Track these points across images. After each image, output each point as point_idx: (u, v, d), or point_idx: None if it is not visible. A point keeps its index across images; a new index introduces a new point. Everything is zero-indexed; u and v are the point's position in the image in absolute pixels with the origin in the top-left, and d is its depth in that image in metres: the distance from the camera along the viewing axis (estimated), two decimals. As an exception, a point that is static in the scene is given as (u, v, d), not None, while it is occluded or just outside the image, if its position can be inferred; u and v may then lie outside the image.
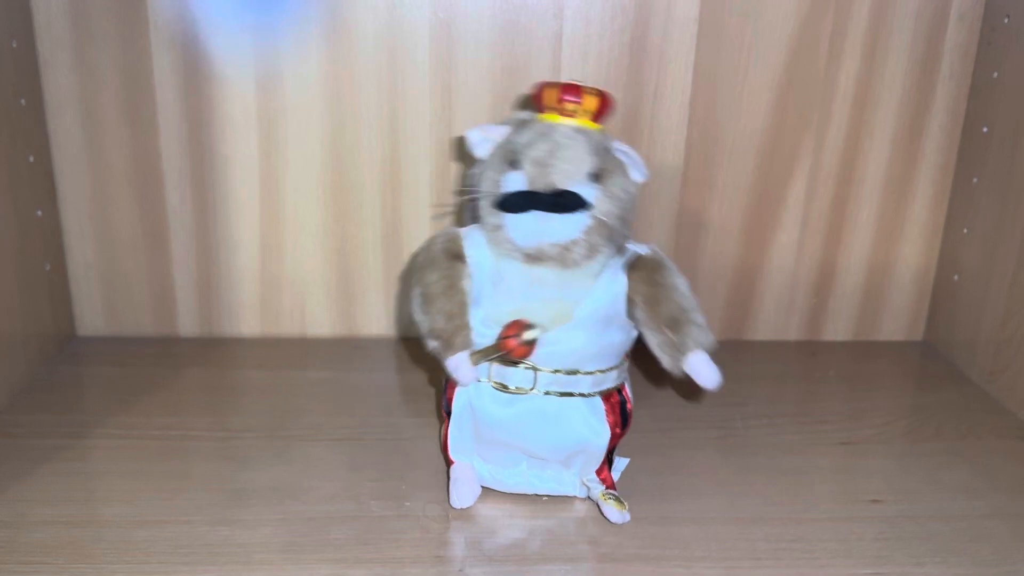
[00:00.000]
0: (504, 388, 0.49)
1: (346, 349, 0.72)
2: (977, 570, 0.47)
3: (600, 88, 0.48)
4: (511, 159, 0.47)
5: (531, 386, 0.48)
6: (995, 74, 0.67)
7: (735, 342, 0.76)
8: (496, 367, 0.48)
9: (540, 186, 0.46)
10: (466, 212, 0.52)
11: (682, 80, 0.68)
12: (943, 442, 0.60)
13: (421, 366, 0.69)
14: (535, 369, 0.48)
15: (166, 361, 0.68)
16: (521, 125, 0.49)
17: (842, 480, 0.55)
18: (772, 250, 0.74)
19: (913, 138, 0.71)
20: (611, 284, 0.48)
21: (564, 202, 0.45)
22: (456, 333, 0.47)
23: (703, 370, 0.47)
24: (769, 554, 0.48)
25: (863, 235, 0.74)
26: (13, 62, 0.61)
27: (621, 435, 0.51)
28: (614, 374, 0.50)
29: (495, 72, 0.67)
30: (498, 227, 0.47)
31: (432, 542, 0.48)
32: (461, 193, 0.51)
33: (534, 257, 0.47)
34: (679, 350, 0.47)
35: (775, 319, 0.76)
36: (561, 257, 0.46)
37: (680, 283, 0.48)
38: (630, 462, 0.55)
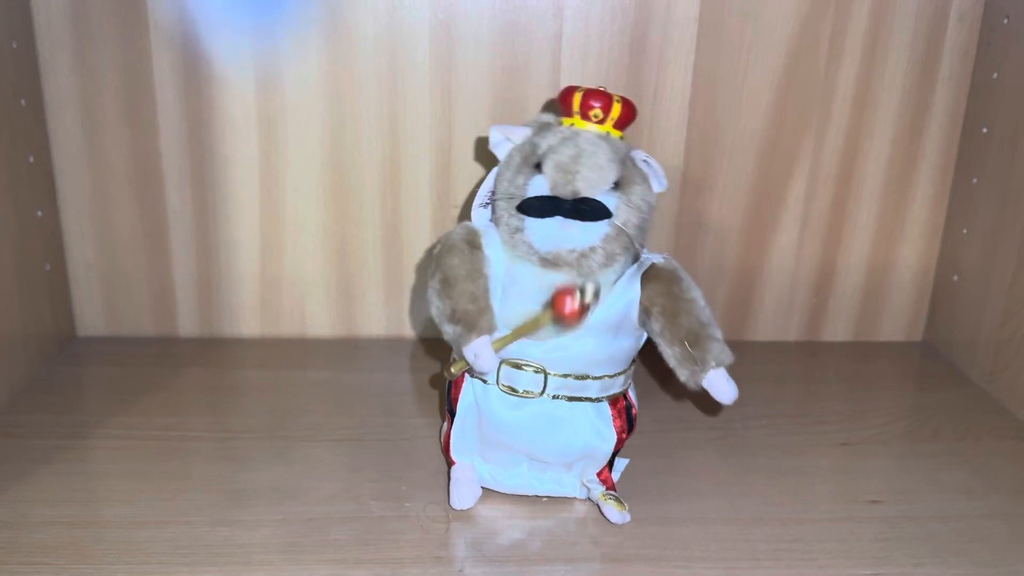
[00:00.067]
0: (513, 391, 0.48)
1: (346, 349, 0.72)
2: (976, 570, 0.47)
3: (626, 97, 0.48)
4: (534, 162, 0.47)
5: (540, 390, 0.48)
6: (995, 75, 0.67)
7: (735, 343, 0.75)
8: (506, 370, 0.48)
9: (564, 192, 0.45)
10: (474, 212, 0.51)
11: (682, 80, 0.68)
12: (943, 442, 0.60)
13: (421, 366, 0.69)
14: (545, 373, 0.48)
15: (166, 361, 0.68)
16: (544, 128, 0.49)
17: (842, 480, 0.55)
18: (772, 250, 0.74)
19: (913, 138, 0.71)
20: (625, 292, 0.48)
21: (587, 210, 0.45)
22: (481, 315, 0.46)
23: (722, 387, 0.47)
24: (769, 554, 0.48)
25: (863, 235, 0.74)
26: (13, 62, 0.61)
27: (626, 439, 0.51)
28: (621, 379, 0.50)
29: (495, 73, 0.67)
30: (518, 230, 0.47)
31: (432, 542, 0.48)
32: (490, 194, 0.51)
33: (550, 262, 0.47)
34: (698, 365, 0.47)
35: (775, 319, 0.76)
36: (578, 264, 0.46)
37: (698, 296, 0.48)
38: (630, 462, 0.55)
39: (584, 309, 0.44)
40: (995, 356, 0.67)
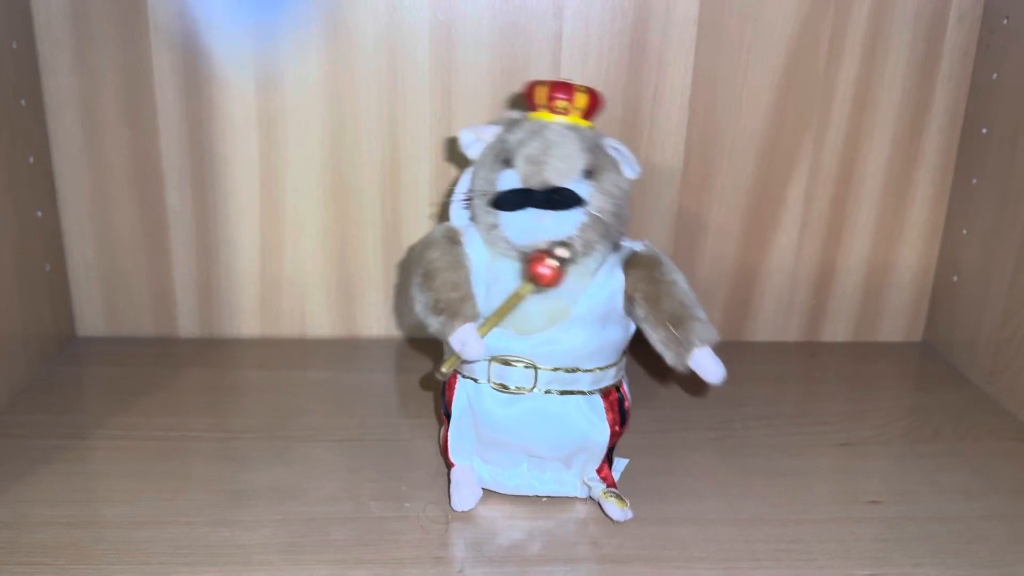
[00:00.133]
0: (504, 388, 0.49)
1: (346, 350, 0.72)
2: (975, 571, 0.47)
3: (590, 86, 0.49)
4: (504, 158, 0.47)
5: (531, 385, 0.48)
6: (994, 75, 0.67)
7: (735, 343, 0.76)
8: (496, 367, 0.48)
9: (534, 184, 0.46)
10: (452, 211, 0.52)
11: (682, 81, 0.68)
12: (942, 443, 0.61)
13: (421, 367, 0.69)
14: (535, 368, 0.48)
15: (166, 361, 0.68)
16: (512, 124, 0.49)
17: (841, 481, 0.56)
18: (771, 251, 0.74)
19: (913, 139, 0.71)
20: (608, 281, 0.48)
21: (558, 199, 0.45)
22: (463, 302, 0.46)
23: (708, 365, 0.47)
24: (768, 555, 0.48)
25: (862, 236, 0.74)
26: (13, 63, 0.61)
27: (620, 433, 0.51)
28: (613, 371, 0.50)
29: (495, 73, 0.67)
30: (494, 226, 0.47)
31: (432, 543, 0.48)
32: (453, 194, 0.51)
33: (539, 248, 0.47)
34: (683, 346, 0.47)
35: (774, 320, 0.76)
36: (569, 247, 0.46)
37: (679, 279, 0.49)
38: (630, 463, 0.55)
39: (561, 267, 0.45)
40: (995, 356, 0.67)
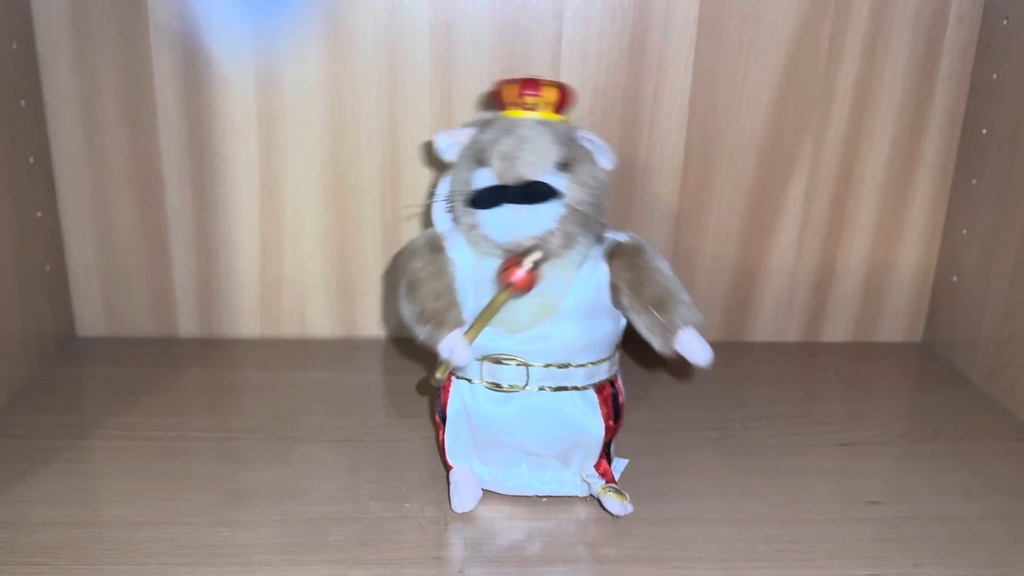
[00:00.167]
0: (497, 387, 0.49)
1: (346, 350, 0.72)
2: (975, 571, 0.47)
3: (559, 80, 0.49)
4: (478, 157, 0.48)
5: (524, 383, 0.48)
6: (994, 75, 0.67)
7: (734, 343, 0.76)
8: (488, 366, 0.48)
9: (509, 179, 0.46)
10: (434, 214, 0.52)
11: (681, 81, 0.68)
12: (942, 443, 0.61)
13: (421, 367, 0.69)
14: (527, 365, 0.48)
15: (166, 361, 0.68)
16: (485, 124, 0.49)
17: (841, 481, 0.55)
18: (771, 251, 0.74)
19: (912, 139, 0.71)
20: (593, 274, 0.48)
21: (534, 193, 0.46)
22: (447, 310, 0.47)
23: (694, 347, 0.47)
24: (768, 555, 0.48)
25: (862, 236, 0.74)
26: (13, 63, 0.61)
27: (614, 428, 0.51)
28: (606, 366, 0.50)
29: (495, 74, 0.67)
30: (474, 225, 0.47)
31: (431, 543, 0.48)
32: (433, 197, 0.52)
33: (513, 252, 0.47)
34: (668, 329, 0.47)
35: (774, 320, 0.76)
36: (540, 249, 0.47)
37: (662, 264, 0.49)
38: (629, 463, 0.55)
39: (534, 271, 0.45)
40: (995, 357, 0.67)
